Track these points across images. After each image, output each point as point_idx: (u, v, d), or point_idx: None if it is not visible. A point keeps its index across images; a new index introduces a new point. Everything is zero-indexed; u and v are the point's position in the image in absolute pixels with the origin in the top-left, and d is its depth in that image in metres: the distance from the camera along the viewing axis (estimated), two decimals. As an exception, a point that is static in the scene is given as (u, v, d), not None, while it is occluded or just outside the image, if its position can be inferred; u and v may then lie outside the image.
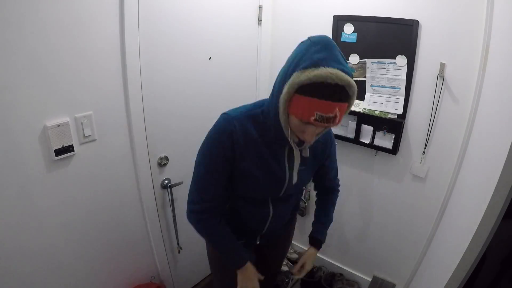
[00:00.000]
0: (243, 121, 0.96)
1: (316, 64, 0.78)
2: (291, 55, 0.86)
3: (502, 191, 0.90)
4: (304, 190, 1.26)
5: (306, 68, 0.78)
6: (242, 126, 0.95)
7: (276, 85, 0.88)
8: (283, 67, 0.87)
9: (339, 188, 1.33)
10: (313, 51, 0.81)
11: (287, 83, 0.81)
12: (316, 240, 1.28)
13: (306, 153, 1.03)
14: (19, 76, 1.03)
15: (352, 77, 0.81)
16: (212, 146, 0.96)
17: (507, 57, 1.09)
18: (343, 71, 0.78)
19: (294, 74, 0.80)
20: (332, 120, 0.81)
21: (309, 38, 0.86)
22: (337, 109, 0.80)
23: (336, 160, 1.24)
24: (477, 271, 1.05)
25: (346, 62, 0.83)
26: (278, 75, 0.88)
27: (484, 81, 1.33)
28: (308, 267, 1.27)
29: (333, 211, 1.32)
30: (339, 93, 0.79)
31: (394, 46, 1.54)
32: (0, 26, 0.96)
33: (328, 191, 1.31)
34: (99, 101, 1.27)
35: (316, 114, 0.80)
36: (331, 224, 1.33)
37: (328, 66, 0.77)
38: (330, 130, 1.11)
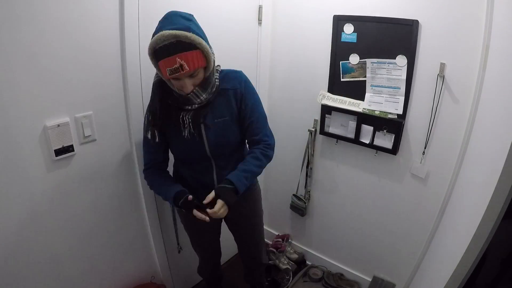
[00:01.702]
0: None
1: (154, 34, 1.01)
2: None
3: (502, 191, 0.90)
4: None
5: (152, 36, 1.01)
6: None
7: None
8: None
9: (268, 144, 1.30)
10: (158, 26, 1.03)
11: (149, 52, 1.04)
12: (226, 180, 1.22)
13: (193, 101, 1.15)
14: (19, 76, 1.03)
15: (190, 31, 0.99)
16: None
17: (507, 57, 1.09)
18: (174, 29, 0.97)
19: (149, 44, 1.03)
20: (179, 70, 1.01)
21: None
22: (178, 59, 0.99)
23: (257, 110, 1.27)
24: (477, 271, 1.05)
25: (189, 21, 1.04)
26: None
27: (484, 81, 1.33)
28: (217, 209, 1.16)
29: (256, 165, 1.26)
30: (173, 47, 0.98)
31: (394, 46, 1.54)
32: (0, 27, 0.96)
33: (254, 146, 1.30)
34: (99, 101, 1.27)
35: (167, 70, 1.01)
36: (251, 176, 1.25)
37: (162, 30, 0.98)
38: (239, 77, 1.25)
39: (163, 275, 1.79)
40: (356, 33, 1.63)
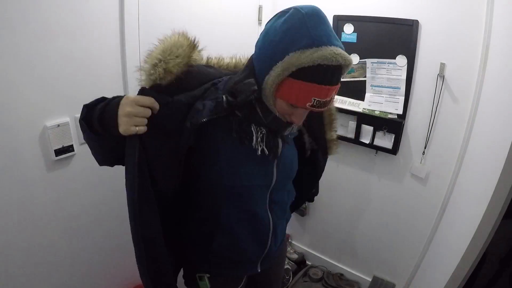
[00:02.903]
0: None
1: (318, 43, 0.66)
2: (278, 29, 0.70)
3: (502, 191, 0.90)
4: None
5: (306, 47, 0.66)
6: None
7: (257, 62, 0.76)
8: (266, 42, 0.73)
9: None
10: (310, 26, 0.67)
11: (279, 64, 0.68)
12: None
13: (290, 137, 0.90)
14: (19, 76, 1.03)
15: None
16: None
17: (507, 57, 1.09)
18: (341, 48, 0.69)
19: (290, 54, 0.67)
20: (327, 104, 0.73)
21: (296, 8, 0.69)
22: (334, 92, 0.73)
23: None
24: (477, 271, 1.05)
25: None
26: (260, 51, 0.75)
27: (484, 81, 1.33)
28: None
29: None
30: (338, 75, 0.70)
31: (394, 46, 1.54)
32: (0, 27, 0.96)
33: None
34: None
35: (314, 99, 0.70)
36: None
37: (331, 45, 0.66)
38: None
39: (163, 275, 1.79)
40: (356, 33, 1.63)
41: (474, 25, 1.33)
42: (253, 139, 0.80)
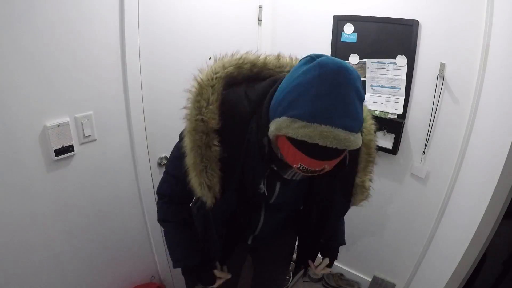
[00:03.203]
0: None
1: (311, 118, 0.60)
2: (293, 80, 0.65)
3: (502, 191, 0.90)
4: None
5: (299, 117, 0.61)
6: None
7: (270, 104, 0.71)
8: (281, 87, 0.68)
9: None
10: (317, 93, 0.60)
11: (273, 123, 0.66)
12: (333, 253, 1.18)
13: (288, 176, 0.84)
14: (19, 76, 1.03)
15: (360, 127, 0.64)
16: None
17: (507, 57, 1.09)
18: (346, 129, 0.60)
19: (283, 118, 0.63)
20: (318, 172, 0.68)
21: (318, 63, 0.62)
22: (326, 165, 0.67)
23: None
24: (477, 271, 1.05)
25: (361, 102, 0.64)
26: (278, 91, 0.69)
27: (484, 81, 1.33)
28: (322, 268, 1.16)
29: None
30: (331, 153, 0.62)
31: (394, 46, 1.54)
32: (0, 27, 0.96)
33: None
34: (99, 101, 1.27)
35: (300, 165, 0.66)
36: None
37: (327, 124, 0.59)
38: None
39: (163, 275, 1.79)
40: (356, 33, 1.63)
41: (474, 25, 1.33)
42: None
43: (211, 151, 0.76)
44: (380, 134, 1.68)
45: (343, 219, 1.17)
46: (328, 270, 1.16)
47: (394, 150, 1.67)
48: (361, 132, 0.68)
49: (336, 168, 0.72)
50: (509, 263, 1.14)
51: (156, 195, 1.04)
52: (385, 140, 1.68)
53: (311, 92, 0.60)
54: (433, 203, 1.65)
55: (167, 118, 1.55)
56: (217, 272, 1.03)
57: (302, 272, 2.16)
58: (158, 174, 1.60)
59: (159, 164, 1.59)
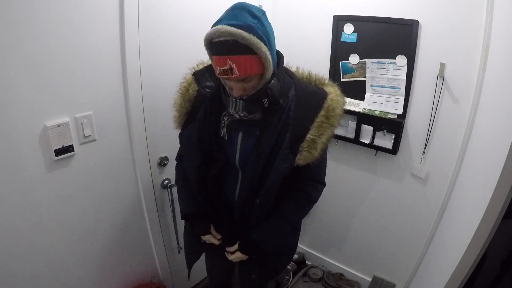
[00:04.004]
0: None
1: (213, 25, 0.87)
2: None
3: (502, 191, 0.90)
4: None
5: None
6: None
7: None
8: None
9: (312, 195, 1.15)
10: (221, 16, 0.88)
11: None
12: (246, 241, 1.13)
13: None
14: (19, 76, 1.03)
15: (251, 32, 0.84)
16: None
17: (507, 57, 1.09)
18: (234, 25, 0.82)
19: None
20: (229, 73, 0.87)
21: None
22: (229, 61, 0.86)
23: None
24: (477, 271, 1.05)
25: (256, 18, 0.87)
26: None
27: (484, 81, 1.33)
28: (232, 256, 1.17)
29: (284, 223, 1.13)
30: (228, 47, 0.84)
31: (394, 46, 1.54)
32: (0, 27, 0.96)
33: (293, 190, 1.13)
34: (99, 101, 1.27)
35: (217, 69, 0.89)
36: (281, 239, 1.17)
37: (218, 24, 0.85)
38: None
39: (163, 275, 1.79)
40: (356, 33, 1.63)
41: (474, 25, 1.33)
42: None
43: (189, 93, 1.11)
44: (380, 134, 1.68)
45: (280, 220, 1.13)
46: (234, 257, 1.16)
47: (394, 150, 1.67)
48: (257, 37, 0.85)
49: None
50: (508, 263, 1.14)
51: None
52: (385, 140, 1.68)
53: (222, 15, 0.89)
54: (433, 203, 1.65)
55: (167, 118, 1.54)
56: (211, 229, 1.18)
57: (302, 272, 2.16)
58: (158, 174, 1.60)
59: (159, 164, 1.59)
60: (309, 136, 0.99)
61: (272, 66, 0.92)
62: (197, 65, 1.14)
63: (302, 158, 1.00)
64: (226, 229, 1.18)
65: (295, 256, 2.27)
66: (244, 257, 1.15)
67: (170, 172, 1.65)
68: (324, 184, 1.22)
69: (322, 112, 1.00)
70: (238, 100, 0.96)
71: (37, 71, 1.07)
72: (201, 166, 1.08)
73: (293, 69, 1.17)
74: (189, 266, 1.37)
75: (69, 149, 1.21)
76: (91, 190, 1.34)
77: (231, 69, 0.86)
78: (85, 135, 1.25)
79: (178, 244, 1.78)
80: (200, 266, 2.06)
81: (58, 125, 1.16)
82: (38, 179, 1.16)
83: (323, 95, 1.02)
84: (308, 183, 1.14)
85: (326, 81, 1.12)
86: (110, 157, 1.37)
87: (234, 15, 0.86)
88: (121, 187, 1.46)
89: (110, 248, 1.50)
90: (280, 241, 1.18)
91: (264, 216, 1.11)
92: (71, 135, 1.20)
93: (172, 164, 1.64)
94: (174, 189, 1.65)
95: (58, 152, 1.17)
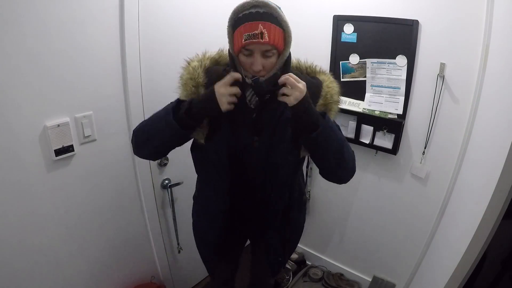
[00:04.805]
0: None
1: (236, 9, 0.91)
2: None
3: (502, 191, 0.90)
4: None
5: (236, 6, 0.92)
6: None
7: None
8: None
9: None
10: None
11: (228, 25, 0.94)
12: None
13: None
14: (19, 76, 1.03)
15: (280, 11, 0.90)
16: None
17: (507, 57, 1.09)
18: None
19: (230, 15, 0.94)
20: (259, 36, 0.88)
21: None
22: (261, 26, 0.87)
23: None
24: (477, 271, 1.05)
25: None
26: None
27: (484, 81, 1.33)
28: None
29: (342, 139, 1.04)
30: (261, 15, 0.88)
31: (394, 46, 1.54)
32: (0, 27, 0.96)
33: None
34: (99, 101, 1.27)
35: (245, 35, 0.89)
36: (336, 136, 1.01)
37: None
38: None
39: (163, 275, 1.79)
40: (356, 33, 1.63)
41: (474, 25, 1.33)
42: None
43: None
44: (380, 134, 1.68)
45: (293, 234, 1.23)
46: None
47: (394, 150, 1.67)
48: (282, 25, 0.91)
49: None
50: (508, 263, 1.14)
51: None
52: (385, 140, 1.68)
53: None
54: (433, 203, 1.65)
55: (167, 118, 1.55)
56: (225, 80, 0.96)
57: (302, 272, 2.16)
58: (158, 174, 1.60)
59: (159, 164, 1.59)
60: None
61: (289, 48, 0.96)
62: (189, 64, 1.04)
63: (304, 151, 1.04)
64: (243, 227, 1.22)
65: (295, 256, 2.27)
66: (302, 94, 0.92)
67: (170, 172, 1.65)
68: (352, 152, 1.13)
69: (320, 101, 1.01)
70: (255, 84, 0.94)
71: (37, 71, 1.07)
72: (231, 189, 1.09)
73: None
74: (212, 272, 1.37)
75: (69, 149, 1.21)
76: (91, 190, 1.34)
77: (261, 33, 0.88)
78: (85, 135, 1.25)
79: (178, 244, 1.78)
80: (200, 265, 2.06)
81: (58, 125, 1.15)
82: (38, 179, 1.16)
83: (318, 84, 1.04)
84: None
85: (318, 68, 1.13)
86: (110, 157, 1.37)
87: None
88: (121, 187, 1.46)
89: (110, 248, 1.50)
90: (336, 140, 0.99)
91: (283, 201, 1.15)
92: (71, 135, 1.20)
93: (172, 164, 1.64)
94: (174, 189, 1.65)
95: (58, 152, 1.17)
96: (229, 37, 0.95)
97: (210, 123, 1.01)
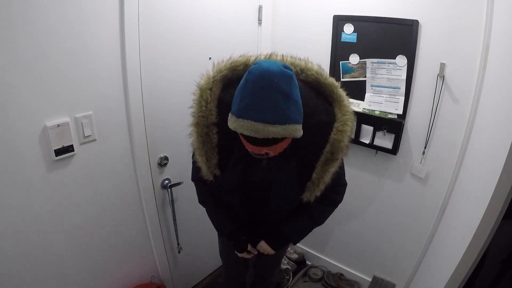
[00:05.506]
0: None
1: (238, 114, 0.79)
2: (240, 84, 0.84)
3: (502, 191, 0.90)
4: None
5: (233, 114, 0.81)
6: None
7: None
8: None
9: (336, 199, 1.21)
10: (244, 95, 0.79)
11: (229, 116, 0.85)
12: (276, 234, 1.25)
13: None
14: (19, 76, 1.03)
15: (288, 122, 0.77)
16: None
17: (507, 57, 1.09)
18: (267, 122, 0.76)
19: (230, 113, 0.84)
20: (265, 155, 0.87)
21: (250, 70, 0.80)
22: (265, 149, 0.84)
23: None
24: (477, 271, 1.05)
25: (289, 99, 0.78)
26: None
27: (484, 81, 1.33)
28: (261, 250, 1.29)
29: (309, 223, 1.22)
30: (263, 141, 0.80)
31: (394, 46, 1.54)
32: (0, 26, 0.96)
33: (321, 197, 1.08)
34: (99, 101, 1.27)
35: (249, 151, 0.88)
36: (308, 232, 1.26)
37: (247, 118, 0.77)
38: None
39: (163, 275, 1.79)
40: (356, 33, 1.63)
41: (474, 25, 1.33)
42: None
43: (211, 139, 0.96)
44: (380, 134, 1.68)
45: (312, 217, 1.22)
46: (263, 250, 1.26)
47: (394, 150, 1.67)
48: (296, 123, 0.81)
49: (290, 151, 0.93)
50: (508, 263, 1.14)
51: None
52: (385, 140, 1.68)
53: (241, 94, 0.79)
54: (433, 203, 1.65)
55: (167, 118, 1.55)
56: (249, 247, 1.26)
57: (302, 272, 2.16)
58: (158, 174, 1.61)
59: (159, 164, 1.59)
60: (314, 176, 0.99)
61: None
62: (201, 94, 0.96)
63: (306, 196, 1.05)
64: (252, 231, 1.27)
65: (295, 256, 2.27)
66: (272, 251, 1.24)
67: (170, 172, 1.65)
68: (345, 184, 1.25)
69: (328, 148, 0.96)
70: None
71: (37, 71, 1.07)
72: (244, 199, 1.15)
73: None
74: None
75: (69, 149, 1.21)
76: (91, 190, 1.34)
77: (266, 153, 0.87)
78: (85, 135, 1.25)
79: (178, 244, 1.78)
80: (200, 265, 2.07)
81: (58, 125, 1.16)
82: (38, 179, 1.16)
83: (330, 122, 0.95)
84: (332, 189, 1.09)
85: (339, 91, 1.00)
86: (110, 157, 1.37)
87: (264, 104, 0.76)
88: (121, 187, 1.46)
89: (110, 248, 1.50)
90: (304, 235, 1.26)
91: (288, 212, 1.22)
92: (71, 135, 1.20)
93: (172, 164, 1.64)
94: (174, 189, 1.65)
95: (58, 152, 1.17)
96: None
97: (219, 162, 1.01)
